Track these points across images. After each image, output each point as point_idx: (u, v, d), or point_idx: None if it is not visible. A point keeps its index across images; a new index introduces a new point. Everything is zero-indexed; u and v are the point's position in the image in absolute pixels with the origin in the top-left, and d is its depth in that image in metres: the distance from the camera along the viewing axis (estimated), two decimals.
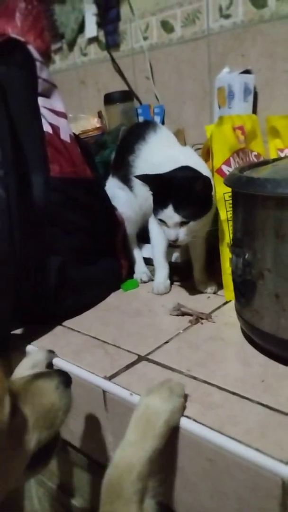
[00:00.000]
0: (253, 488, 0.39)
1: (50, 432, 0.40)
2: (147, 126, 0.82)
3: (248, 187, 0.49)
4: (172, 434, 0.44)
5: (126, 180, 0.82)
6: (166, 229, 0.68)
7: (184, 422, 0.44)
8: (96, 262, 0.75)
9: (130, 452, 0.41)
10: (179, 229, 0.66)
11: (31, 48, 0.66)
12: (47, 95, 0.68)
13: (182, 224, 0.66)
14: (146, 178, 0.69)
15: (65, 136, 0.67)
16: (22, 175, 0.59)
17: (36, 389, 0.41)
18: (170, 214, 0.66)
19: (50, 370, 0.45)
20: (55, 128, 0.67)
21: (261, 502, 0.39)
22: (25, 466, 0.38)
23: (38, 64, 0.66)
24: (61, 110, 0.70)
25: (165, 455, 0.44)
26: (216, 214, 0.70)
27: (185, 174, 0.66)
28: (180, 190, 0.65)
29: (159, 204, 0.67)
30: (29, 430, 0.38)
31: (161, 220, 0.68)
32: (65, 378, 0.44)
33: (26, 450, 0.38)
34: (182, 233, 0.67)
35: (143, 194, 0.77)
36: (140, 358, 0.57)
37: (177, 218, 0.65)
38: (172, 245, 0.73)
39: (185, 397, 0.46)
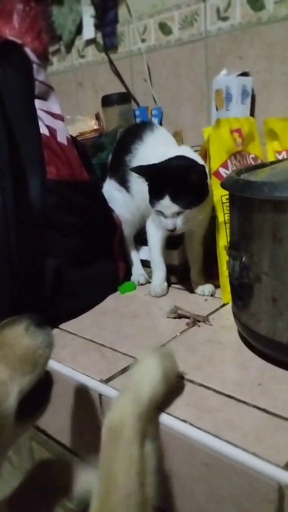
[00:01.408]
0: (250, 493, 0.39)
1: (34, 375, 0.39)
2: (144, 126, 0.82)
3: (245, 190, 0.48)
4: (169, 438, 0.43)
5: (123, 182, 0.82)
6: (163, 219, 0.68)
7: (181, 426, 0.44)
8: (93, 264, 0.75)
9: (129, 396, 0.42)
10: (177, 218, 0.67)
11: (28, 50, 0.66)
12: (44, 97, 0.68)
13: (179, 212, 0.67)
14: (141, 169, 0.69)
15: (62, 138, 0.67)
16: (18, 178, 0.59)
17: (4, 338, 0.39)
18: (167, 204, 0.66)
19: (15, 317, 0.41)
20: (52, 130, 0.66)
21: (257, 507, 0.38)
22: (11, 421, 0.37)
23: (35, 66, 0.66)
24: (58, 113, 0.70)
25: (161, 459, 0.44)
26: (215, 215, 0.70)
27: (180, 163, 0.67)
28: (175, 180, 0.66)
29: (155, 196, 0.67)
30: (6, 382, 0.37)
31: (158, 211, 0.68)
32: (35, 319, 0.41)
33: (7, 404, 0.36)
34: (179, 222, 0.67)
35: (140, 195, 0.77)
36: None
37: (174, 208, 0.66)
38: (170, 235, 0.73)
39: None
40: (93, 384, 0.52)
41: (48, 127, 0.66)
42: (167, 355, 0.49)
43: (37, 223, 0.63)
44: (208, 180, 0.69)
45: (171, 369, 0.47)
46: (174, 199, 0.65)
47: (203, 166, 0.67)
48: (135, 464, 0.38)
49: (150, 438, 0.41)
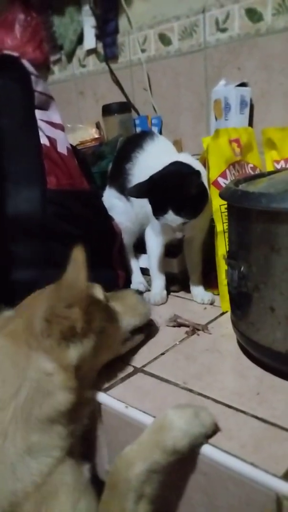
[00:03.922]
0: (248, 503, 0.39)
1: (137, 320, 0.60)
2: (144, 135, 0.82)
3: (243, 201, 0.49)
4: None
5: (123, 190, 0.82)
6: (170, 231, 0.70)
7: None
8: (93, 272, 0.75)
9: (135, 452, 0.42)
10: (183, 227, 0.69)
11: (25, 62, 0.67)
12: (44, 107, 0.69)
13: (185, 222, 0.68)
14: (138, 191, 0.70)
15: (62, 148, 0.68)
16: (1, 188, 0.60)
17: (120, 295, 0.62)
18: (172, 218, 0.67)
19: (127, 288, 0.71)
20: (52, 140, 0.67)
21: None
22: (123, 339, 0.58)
23: (33, 77, 0.67)
24: (58, 122, 0.70)
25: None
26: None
27: (176, 175, 0.67)
28: (176, 194, 0.66)
29: (158, 211, 0.68)
30: (120, 315, 0.57)
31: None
32: (139, 292, 0.66)
33: (122, 328, 0.57)
34: (187, 230, 0.70)
35: (139, 202, 0.78)
36: (136, 370, 0.57)
37: (179, 220, 0.67)
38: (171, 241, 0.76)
39: (211, 430, 0.43)
40: None
41: (48, 137, 0.67)
42: (204, 415, 0.44)
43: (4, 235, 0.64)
44: (207, 185, 0.70)
45: (194, 437, 0.42)
46: (178, 213, 0.66)
47: (198, 174, 0.67)
48: None
49: (148, 499, 0.41)
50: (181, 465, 0.44)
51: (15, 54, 0.69)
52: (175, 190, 0.66)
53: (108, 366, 0.58)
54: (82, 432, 0.48)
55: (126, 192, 0.75)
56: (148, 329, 0.64)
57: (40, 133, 0.67)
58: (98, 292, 0.55)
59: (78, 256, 0.47)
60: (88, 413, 0.50)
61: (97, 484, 0.45)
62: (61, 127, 0.71)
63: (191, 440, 0.41)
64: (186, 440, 0.41)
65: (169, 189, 0.66)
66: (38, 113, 0.68)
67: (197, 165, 0.72)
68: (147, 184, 0.68)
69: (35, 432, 0.42)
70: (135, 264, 0.88)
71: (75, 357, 0.47)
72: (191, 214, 0.67)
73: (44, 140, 0.66)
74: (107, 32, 1.26)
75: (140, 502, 0.41)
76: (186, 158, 0.77)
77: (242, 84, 1.00)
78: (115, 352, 0.57)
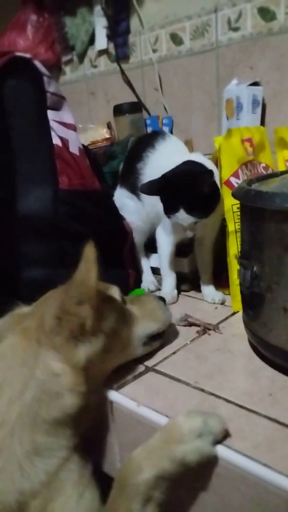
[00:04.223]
0: (260, 504, 0.39)
1: (155, 325, 0.58)
2: (156, 135, 0.82)
3: (256, 201, 0.49)
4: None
5: (134, 189, 0.83)
6: (182, 230, 0.70)
7: None
8: (104, 272, 0.75)
9: (144, 457, 0.42)
10: (195, 226, 0.69)
11: (37, 63, 0.67)
12: (56, 108, 0.69)
13: (196, 222, 0.68)
14: (150, 188, 0.70)
15: (74, 148, 0.68)
16: (12, 188, 0.60)
17: (140, 299, 0.61)
18: (183, 217, 0.67)
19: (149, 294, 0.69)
20: (64, 141, 0.68)
21: None
22: (141, 343, 0.57)
23: (45, 78, 0.67)
24: (70, 122, 0.71)
25: None
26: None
27: (189, 174, 0.67)
28: (188, 193, 0.66)
29: (170, 210, 0.68)
30: (137, 319, 0.56)
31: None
32: (160, 299, 0.62)
33: (138, 332, 0.56)
34: (198, 229, 0.70)
35: (150, 201, 0.78)
36: (148, 369, 0.57)
37: (191, 219, 0.67)
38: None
39: (222, 436, 0.42)
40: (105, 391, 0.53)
41: (60, 137, 0.67)
42: (213, 423, 0.43)
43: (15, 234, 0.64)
44: (218, 184, 0.70)
45: (199, 451, 0.41)
46: (189, 212, 0.66)
47: (211, 173, 0.67)
48: None
49: (156, 502, 0.41)
50: (193, 465, 0.44)
51: (28, 55, 0.70)
52: (188, 189, 0.66)
53: (120, 365, 0.58)
54: (90, 429, 0.48)
55: (138, 188, 0.74)
56: (167, 335, 0.62)
57: (52, 134, 0.67)
58: (115, 293, 0.55)
59: (89, 254, 0.47)
60: (97, 414, 0.50)
61: (106, 480, 0.45)
62: (73, 127, 0.71)
63: (201, 456, 0.41)
64: (196, 456, 0.41)
65: (182, 187, 0.66)
66: (50, 114, 0.69)
67: (209, 164, 0.72)
68: (159, 182, 0.68)
69: (42, 433, 0.42)
70: (146, 264, 0.88)
71: (83, 356, 0.46)
72: (203, 213, 0.67)
73: (56, 141, 0.67)
74: (119, 32, 1.26)
75: (147, 504, 0.41)
76: (198, 157, 0.76)
77: (254, 84, 1.00)
78: (128, 356, 0.56)
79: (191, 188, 0.66)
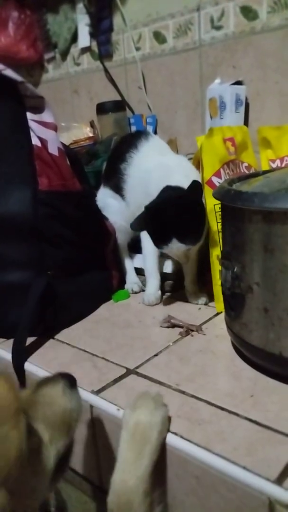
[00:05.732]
0: (240, 507, 0.38)
1: (67, 438, 0.39)
2: (139, 135, 0.82)
3: (236, 201, 0.48)
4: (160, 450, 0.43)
5: (118, 189, 0.82)
6: (176, 257, 0.69)
7: (171, 439, 0.43)
8: (86, 273, 0.75)
9: (131, 473, 0.41)
10: (187, 252, 0.68)
11: (9, 71, 0.64)
12: (35, 108, 0.67)
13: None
14: (138, 223, 0.67)
15: (53, 149, 0.67)
16: None
17: (44, 398, 0.39)
18: (177, 246, 0.66)
19: (51, 375, 0.42)
20: (43, 141, 0.66)
21: None
22: (49, 480, 0.37)
23: (19, 85, 0.65)
24: (50, 121, 0.69)
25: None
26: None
27: (174, 202, 0.65)
28: (179, 221, 0.65)
29: (161, 242, 0.67)
30: (47, 445, 0.36)
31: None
32: (69, 379, 0.42)
33: (48, 466, 0.36)
34: (192, 252, 0.70)
35: (136, 202, 0.77)
36: (129, 372, 0.56)
37: (184, 247, 0.66)
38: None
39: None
40: (84, 395, 0.52)
41: (40, 138, 0.66)
42: (158, 397, 0.46)
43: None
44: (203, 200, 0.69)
45: (167, 419, 0.44)
46: (182, 240, 0.65)
47: (195, 192, 0.64)
48: None
49: (157, 501, 0.41)
50: (173, 468, 0.43)
51: None
52: (178, 217, 0.64)
53: (99, 368, 0.57)
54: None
55: (131, 227, 0.69)
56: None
57: (32, 134, 0.66)
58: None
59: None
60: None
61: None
62: (53, 127, 0.70)
63: (167, 423, 0.44)
64: (166, 425, 0.44)
65: (171, 217, 0.65)
66: (29, 114, 0.67)
67: (193, 172, 0.72)
68: (145, 217, 0.66)
69: None
70: (130, 264, 0.87)
71: None
72: (195, 239, 0.67)
73: (35, 141, 0.65)
74: (101, 30, 1.25)
75: (154, 507, 0.41)
76: (180, 159, 0.76)
77: (237, 83, 1.00)
78: (42, 496, 0.38)
79: (181, 216, 0.64)
